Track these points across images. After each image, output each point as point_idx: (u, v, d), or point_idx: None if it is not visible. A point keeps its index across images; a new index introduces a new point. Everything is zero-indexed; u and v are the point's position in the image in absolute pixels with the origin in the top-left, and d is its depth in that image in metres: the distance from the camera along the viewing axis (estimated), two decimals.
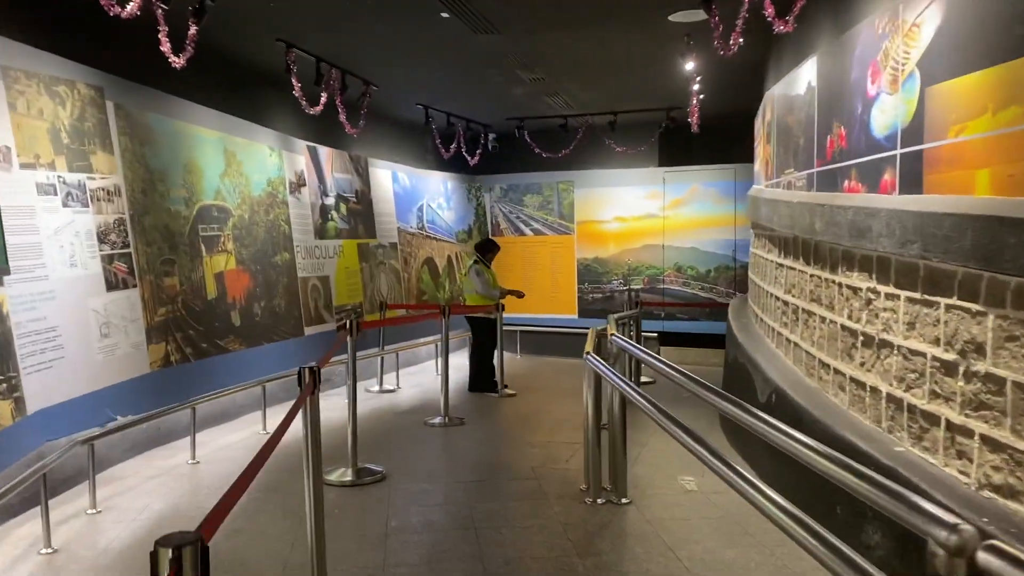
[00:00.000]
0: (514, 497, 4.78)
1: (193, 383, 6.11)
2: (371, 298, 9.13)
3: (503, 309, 8.55)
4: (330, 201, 8.59)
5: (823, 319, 4.55)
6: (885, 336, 3.62)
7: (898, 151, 3.48)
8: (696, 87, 7.29)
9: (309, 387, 3.20)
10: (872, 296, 3.82)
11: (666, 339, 10.40)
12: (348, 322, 5.18)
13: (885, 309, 3.64)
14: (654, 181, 10.99)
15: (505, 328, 8.70)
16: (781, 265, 5.57)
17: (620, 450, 4.57)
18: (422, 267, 10.42)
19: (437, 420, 6.93)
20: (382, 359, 8.89)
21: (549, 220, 11.67)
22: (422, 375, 9.78)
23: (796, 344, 5.06)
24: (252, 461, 2.42)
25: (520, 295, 9.03)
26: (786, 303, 5.37)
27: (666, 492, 4.81)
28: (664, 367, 3.57)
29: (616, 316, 6.95)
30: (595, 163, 11.31)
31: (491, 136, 11.24)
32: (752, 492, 2.33)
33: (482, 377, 8.62)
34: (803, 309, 4.92)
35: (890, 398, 3.55)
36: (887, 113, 3.63)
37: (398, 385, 8.95)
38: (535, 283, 11.44)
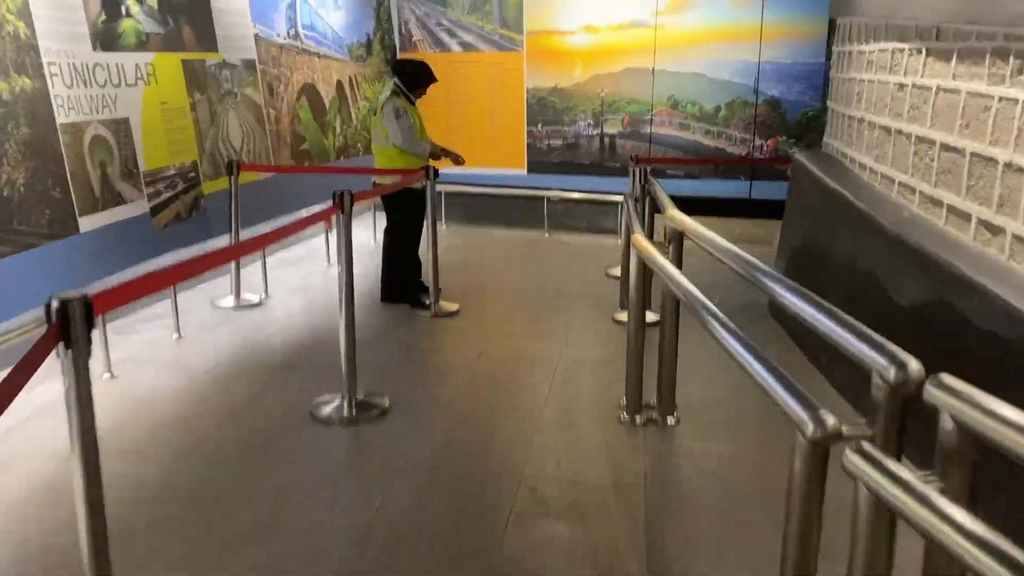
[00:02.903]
0: None
1: None
2: (212, 155, 5.52)
3: (436, 175, 5.20)
4: None
5: None
6: None
7: None
8: None
9: None
10: None
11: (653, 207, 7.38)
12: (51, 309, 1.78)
13: None
14: None
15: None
16: None
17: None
18: (299, 99, 6.74)
19: (333, 409, 3.68)
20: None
21: (486, 30, 7.99)
22: (306, 264, 6.47)
23: None
24: None
25: (459, 160, 5.54)
26: None
27: None
28: None
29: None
30: None
31: None
32: None
33: (402, 281, 5.41)
34: None
35: None
36: None
37: (266, 293, 5.64)
38: (466, 124, 7.96)
